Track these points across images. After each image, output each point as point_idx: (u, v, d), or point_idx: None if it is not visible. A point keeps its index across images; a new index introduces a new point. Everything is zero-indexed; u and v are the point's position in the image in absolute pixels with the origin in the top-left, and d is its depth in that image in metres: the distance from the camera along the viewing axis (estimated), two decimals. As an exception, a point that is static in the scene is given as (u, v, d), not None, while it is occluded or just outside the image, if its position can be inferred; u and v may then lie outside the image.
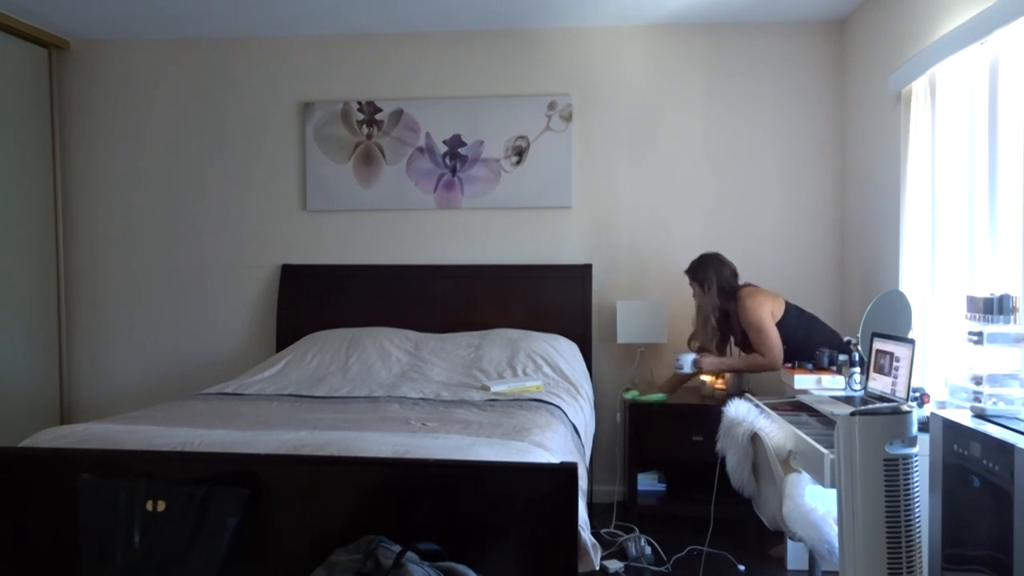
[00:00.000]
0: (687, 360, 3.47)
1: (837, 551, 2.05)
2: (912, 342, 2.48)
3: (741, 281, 3.48)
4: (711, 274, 3.42)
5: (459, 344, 3.80)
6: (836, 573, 2.07)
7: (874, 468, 1.87)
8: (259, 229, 4.29)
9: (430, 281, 4.14)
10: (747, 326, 3.34)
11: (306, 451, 2.16)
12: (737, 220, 4.03)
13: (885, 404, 2.46)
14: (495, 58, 4.14)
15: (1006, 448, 1.80)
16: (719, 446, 2.72)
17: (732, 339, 3.55)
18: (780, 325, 3.31)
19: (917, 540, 1.88)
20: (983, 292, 2.25)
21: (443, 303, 4.11)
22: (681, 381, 3.75)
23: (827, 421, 2.41)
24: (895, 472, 1.86)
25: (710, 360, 3.48)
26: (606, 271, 4.12)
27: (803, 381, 2.88)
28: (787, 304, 3.39)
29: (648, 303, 3.90)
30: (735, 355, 3.59)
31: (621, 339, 3.89)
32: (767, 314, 3.30)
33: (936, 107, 2.95)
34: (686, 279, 3.51)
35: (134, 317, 4.35)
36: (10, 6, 3.76)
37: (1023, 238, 2.37)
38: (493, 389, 3.20)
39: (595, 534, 2.67)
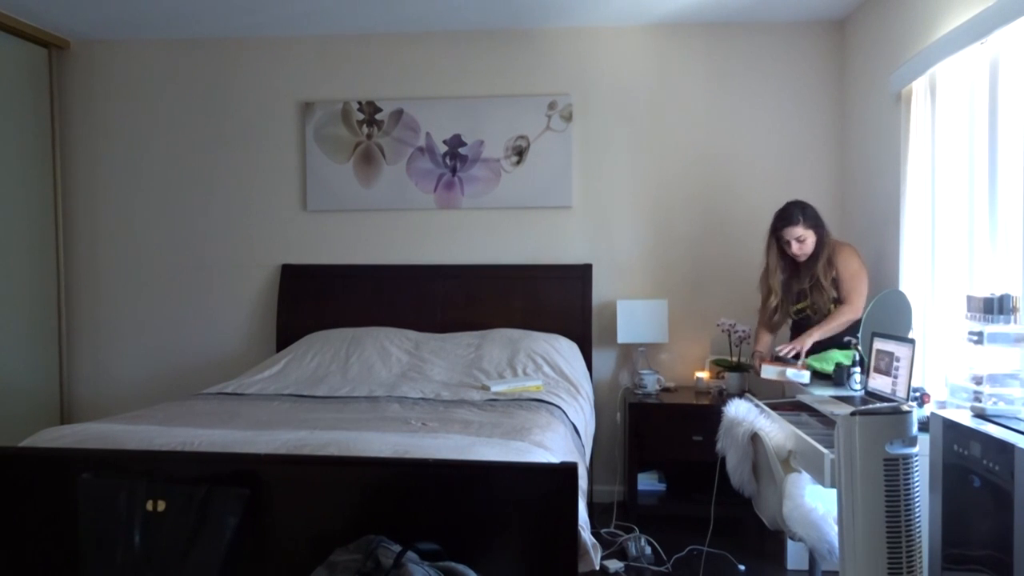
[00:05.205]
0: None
1: (837, 551, 2.05)
2: (912, 342, 2.48)
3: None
4: (813, 211, 3.24)
5: (459, 344, 3.80)
6: (836, 573, 2.07)
7: (874, 468, 1.87)
8: (259, 229, 4.29)
9: (430, 281, 4.14)
10: (846, 275, 3.20)
11: (306, 451, 2.17)
12: (737, 219, 4.03)
13: (885, 404, 2.46)
14: (495, 58, 4.14)
15: (1006, 448, 1.80)
16: (719, 446, 2.72)
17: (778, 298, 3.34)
18: None
19: (917, 540, 1.88)
20: (983, 292, 2.25)
21: (443, 303, 4.11)
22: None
23: (827, 421, 2.40)
24: (895, 472, 1.86)
25: (808, 338, 3.16)
26: (606, 271, 4.12)
27: (803, 381, 2.87)
28: None
29: (648, 303, 3.90)
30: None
31: (621, 339, 3.89)
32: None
33: (936, 107, 2.94)
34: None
35: (134, 317, 4.35)
36: (10, 6, 3.76)
37: (1023, 238, 2.37)
38: (493, 389, 3.20)
39: (595, 534, 2.67)
